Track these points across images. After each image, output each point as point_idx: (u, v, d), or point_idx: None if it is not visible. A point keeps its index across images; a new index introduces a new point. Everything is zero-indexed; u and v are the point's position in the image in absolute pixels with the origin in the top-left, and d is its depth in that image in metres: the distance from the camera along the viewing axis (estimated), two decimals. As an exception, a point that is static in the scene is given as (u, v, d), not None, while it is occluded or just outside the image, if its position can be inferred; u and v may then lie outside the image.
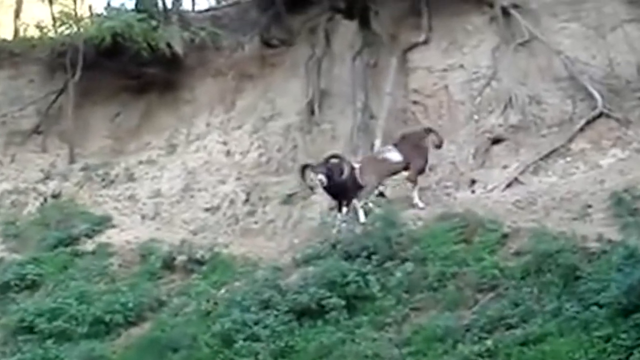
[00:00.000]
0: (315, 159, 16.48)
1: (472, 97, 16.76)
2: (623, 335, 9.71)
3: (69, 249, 16.20)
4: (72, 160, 19.63)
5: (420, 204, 14.53)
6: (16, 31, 22.49)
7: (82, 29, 20.23)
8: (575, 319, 10.29)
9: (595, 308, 10.25)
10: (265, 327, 11.83)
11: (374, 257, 12.60)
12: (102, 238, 16.56)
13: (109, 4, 21.80)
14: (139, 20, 19.37)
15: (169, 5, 21.09)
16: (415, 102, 17.30)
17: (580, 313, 10.33)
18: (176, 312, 13.42)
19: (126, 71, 20.11)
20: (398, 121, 17.11)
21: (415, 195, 14.66)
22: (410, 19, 18.08)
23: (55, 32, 20.95)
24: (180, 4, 21.63)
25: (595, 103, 15.66)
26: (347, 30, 18.74)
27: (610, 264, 10.93)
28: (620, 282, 10.15)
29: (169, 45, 19.64)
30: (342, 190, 14.50)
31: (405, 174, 14.92)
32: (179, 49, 19.89)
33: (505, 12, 17.33)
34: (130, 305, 13.61)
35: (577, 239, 11.82)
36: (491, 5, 17.53)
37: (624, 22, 16.66)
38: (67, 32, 20.62)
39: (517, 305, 10.93)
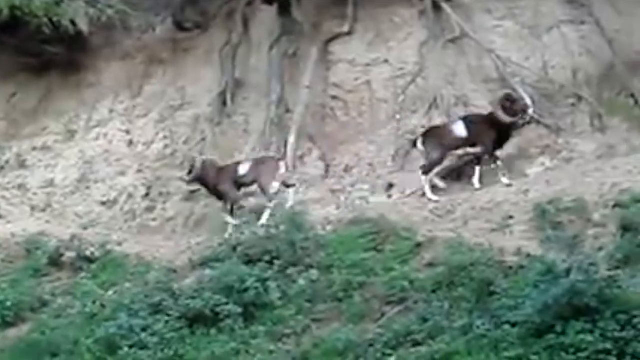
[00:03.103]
0: (223, 153, 16.29)
1: (396, 94, 16.70)
2: (534, 357, 9.77)
3: (-53, 240, 15.74)
4: (-41, 142, 19.12)
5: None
6: None
7: (-23, 0, 19.66)
8: (486, 337, 10.28)
9: (507, 326, 10.28)
10: (154, 333, 11.60)
11: (276, 262, 12.43)
12: (-15, 230, 16.13)
13: (9, -26, 21.22)
14: (41, -8, 18.88)
15: (74, -22, 20.58)
16: (334, 97, 17.17)
17: (491, 331, 10.33)
18: (59, 313, 13.11)
19: (25, 49, 19.54)
20: (315, 116, 17.03)
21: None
22: (334, 8, 17.85)
23: (-51, 1, 20.38)
24: (87, -23, 21.13)
25: (525, 107, 15.67)
26: (266, 16, 18.45)
27: (527, 279, 10.92)
28: (535, 300, 10.14)
29: (72, 22, 18.97)
30: None
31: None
32: (83, 27, 19.29)
33: (435, 5, 17.15)
34: (9, 304, 13.27)
35: (494, 251, 11.86)
36: (421, -2, 17.43)
37: (560, 22, 16.76)
38: (-40, 1, 20.05)
39: (425, 320, 10.91)
